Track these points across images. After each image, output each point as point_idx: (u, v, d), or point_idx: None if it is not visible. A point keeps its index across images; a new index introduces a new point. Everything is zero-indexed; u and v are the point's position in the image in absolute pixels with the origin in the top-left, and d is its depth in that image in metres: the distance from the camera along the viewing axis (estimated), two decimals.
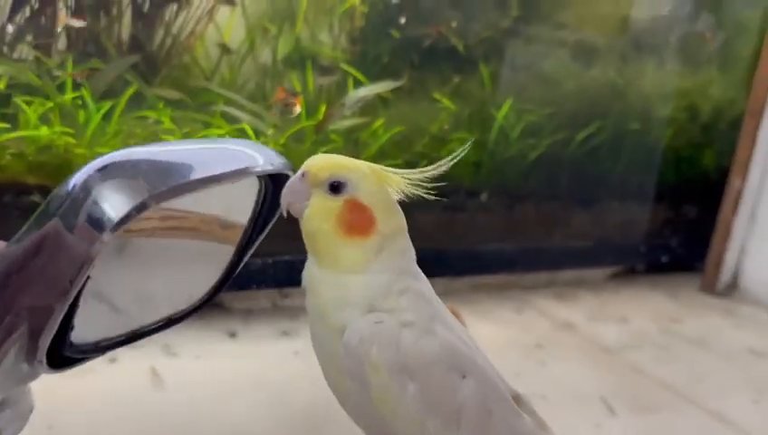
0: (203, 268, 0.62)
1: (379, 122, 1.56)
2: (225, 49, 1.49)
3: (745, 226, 1.93)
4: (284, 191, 0.58)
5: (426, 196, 0.62)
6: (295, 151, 1.46)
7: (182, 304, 0.60)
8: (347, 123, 1.51)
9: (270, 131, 1.45)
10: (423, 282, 0.66)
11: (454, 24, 1.79)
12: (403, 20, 1.79)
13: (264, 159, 0.53)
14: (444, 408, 0.61)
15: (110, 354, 1.24)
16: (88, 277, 0.45)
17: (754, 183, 1.90)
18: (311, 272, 0.60)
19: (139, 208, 0.42)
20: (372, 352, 0.60)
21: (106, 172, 0.43)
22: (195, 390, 1.21)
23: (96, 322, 0.53)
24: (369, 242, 0.59)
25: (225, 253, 0.61)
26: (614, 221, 1.90)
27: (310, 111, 1.52)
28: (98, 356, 0.55)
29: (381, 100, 1.65)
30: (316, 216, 0.58)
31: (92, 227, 0.41)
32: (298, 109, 1.41)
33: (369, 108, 1.59)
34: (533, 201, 1.74)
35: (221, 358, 1.32)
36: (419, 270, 0.64)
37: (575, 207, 1.82)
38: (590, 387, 1.37)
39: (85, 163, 0.43)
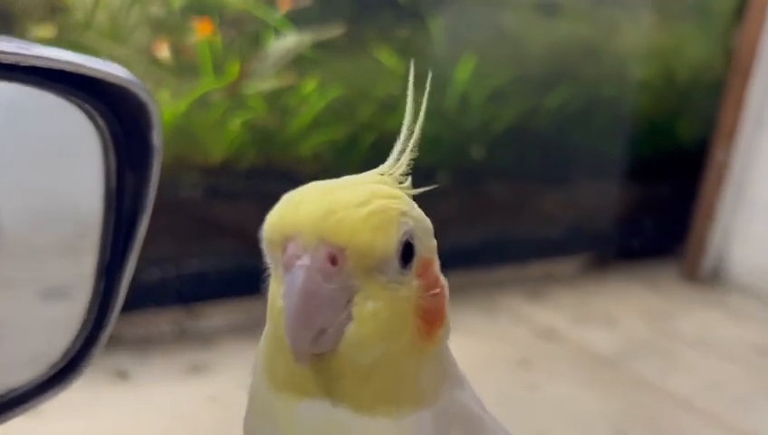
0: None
1: (311, 85, 1.21)
2: None
3: (731, 204, 1.69)
4: (293, 315, 0.28)
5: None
6: (202, 122, 1.09)
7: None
8: (269, 85, 1.14)
9: (166, 95, 1.07)
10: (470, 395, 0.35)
11: None
12: None
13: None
14: None
15: None
16: None
17: (741, 154, 1.66)
18: (318, 416, 0.30)
19: None
20: None
21: None
22: None
23: None
24: (437, 342, 0.31)
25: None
26: (587, 203, 1.62)
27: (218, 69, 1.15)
28: None
29: (309, 60, 1.28)
30: (383, 329, 0.29)
31: None
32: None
33: (295, 68, 1.23)
34: (499, 181, 1.43)
35: (107, 409, 0.95)
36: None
37: (544, 187, 1.53)
38: (596, 414, 1.08)
39: None
